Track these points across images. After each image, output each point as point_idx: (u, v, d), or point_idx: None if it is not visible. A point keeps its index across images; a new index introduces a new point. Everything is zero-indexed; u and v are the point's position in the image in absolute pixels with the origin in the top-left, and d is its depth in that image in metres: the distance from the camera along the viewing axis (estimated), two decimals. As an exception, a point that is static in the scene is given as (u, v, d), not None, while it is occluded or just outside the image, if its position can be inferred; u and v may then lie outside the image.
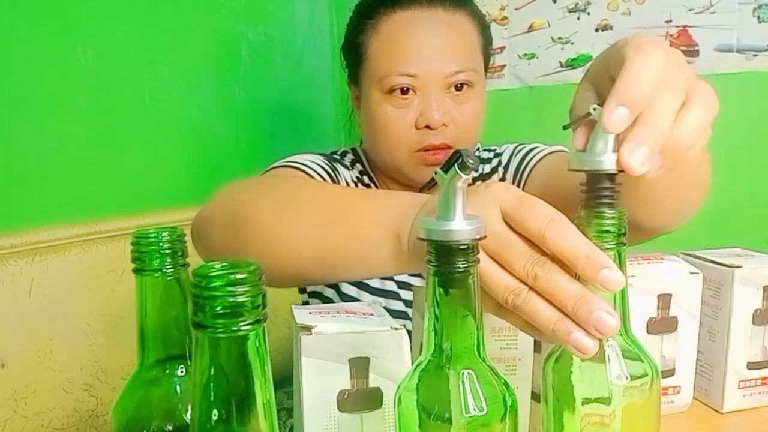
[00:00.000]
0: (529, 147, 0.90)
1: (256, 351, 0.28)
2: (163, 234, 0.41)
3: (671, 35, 1.24)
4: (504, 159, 0.92)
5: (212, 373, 0.28)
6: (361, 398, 0.45)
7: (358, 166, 0.93)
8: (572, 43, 1.34)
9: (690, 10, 1.22)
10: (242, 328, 0.27)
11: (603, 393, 0.41)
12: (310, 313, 0.49)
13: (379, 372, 0.45)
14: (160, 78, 1.20)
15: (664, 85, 0.40)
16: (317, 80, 1.56)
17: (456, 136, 0.82)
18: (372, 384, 0.45)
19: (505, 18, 1.41)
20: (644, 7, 1.26)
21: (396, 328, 0.45)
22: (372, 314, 0.49)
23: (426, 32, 0.82)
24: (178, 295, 0.41)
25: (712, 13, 1.20)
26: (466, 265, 0.35)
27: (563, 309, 0.37)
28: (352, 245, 0.50)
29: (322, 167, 0.82)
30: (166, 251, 0.41)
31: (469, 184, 0.37)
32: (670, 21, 1.24)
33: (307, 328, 0.45)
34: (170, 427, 0.42)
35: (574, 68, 1.34)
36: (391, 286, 0.88)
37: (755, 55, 1.18)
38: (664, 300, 0.61)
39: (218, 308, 0.27)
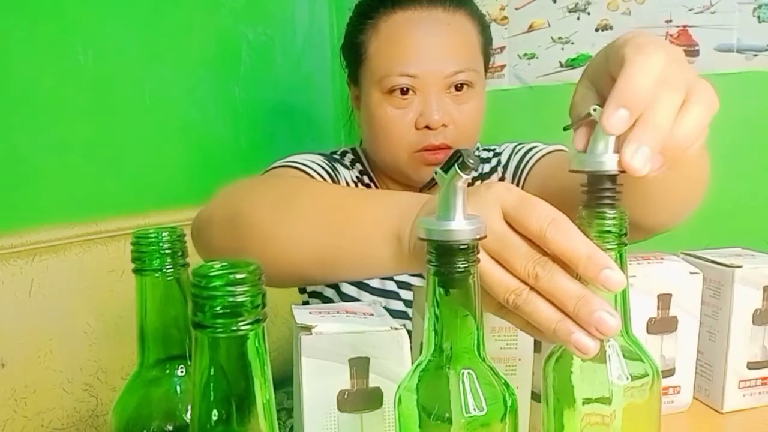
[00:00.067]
0: (528, 146, 0.90)
1: (256, 351, 0.28)
2: (163, 234, 0.41)
3: (671, 35, 1.24)
4: (503, 158, 0.92)
5: (212, 373, 0.28)
6: (361, 398, 0.45)
7: (358, 166, 0.93)
8: (572, 43, 1.34)
9: (690, 10, 1.22)
10: (242, 328, 0.27)
11: (604, 393, 0.41)
12: (310, 313, 0.49)
13: (379, 372, 0.45)
14: (160, 78, 1.20)
15: (664, 85, 0.40)
16: (317, 80, 1.56)
17: (456, 137, 0.82)
18: (372, 384, 0.45)
19: (505, 18, 1.41)
20: (644, 7, 1.26)
21: (396, 328, 0.45)
22: (372, 314, 0.49)
23: (426, 32, 0.82)
24: (178, 295, 0.41)
25: (712, 13, 1.20)
26: (466, 265, 0.35)
27: (564, 309, 0.37)
28: (353, 245, 0.50)
29: (322, 167, 0.82)
30: (166, 251, 0.41)
31: (469, 184, 0.37)
32: (670, 21, 1.24)
33: (307, 328, 0.45)
34: (170, 427, 0.42)
35: (574, 68, 1.34)
36: (391, 286, 0.88)
37: (755, 55, 1.18)
38: (664, 300, 0.61)
39: (218, 308, 0.27)
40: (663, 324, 0.61)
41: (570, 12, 1.33)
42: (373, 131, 0.85)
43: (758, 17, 1.17)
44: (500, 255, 0.39)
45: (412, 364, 0.39)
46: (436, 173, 0.37)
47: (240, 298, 0.27)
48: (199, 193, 0.80)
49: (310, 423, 0.45)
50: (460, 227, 0.35)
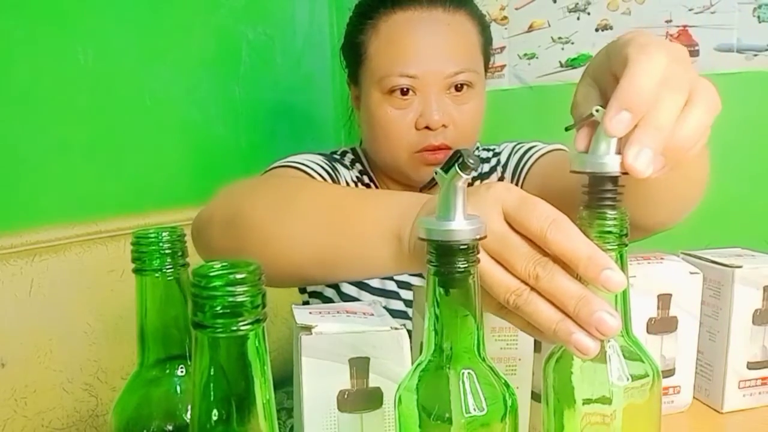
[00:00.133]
0: (527, 146, 0.90)
1: (256, 351, 0.28)
2: (163, 234, 0.41)
3: (671, 35, 1.24)
4: (503, 158, 0.92)
5: (212, 373, 0.28)
6: (361, 398, 0.45)
7: (358, 166, 0.93)
8: (572, 43, 1.34)
9: (690, 10, 1.22)
10: (242, 327, 0.27)
11: (604, 393, 0.41)
12: (310, 313, 0.49)
13: (379, 372, 0.45)
14: (160, 78, 1.20)
15: (666, 86, 0.40)
16: (317, 80, 1.56)
17: (456, 137, 0.82)
18: (372, 384, 0.45)
19: (505, 18, 1.41)
20: (644, 7, 1.26)
21: (396, 328, 0.45)
22: (372, 314, 0.49)
23: (426, 33, 0.82)
24: (178, 295, 0.41)
25: (712, 13, 1.20)
26: (466, 265, 0.35)
27: (565, 309, 0.37)
28: (353, 245, 0.50)
29: (322, 167, 0.82)
30: (166, 251, 0.41)
31: (469, 184, 0.37)
32: (670, 21, 1.24)
33: (307, 328, 0.45)
34: (170, 427, 0.42)
35: (574, 68, 1.34)
36: (391, 286, 0.88)
37: (755, 55, 1.18)
38: (664, 300, 0.61)
39: (218, 308, 0.27)
40: (663, 324, 0.61)
41: (570, 12, 1.33)
42: (373, 131, 0.85)
43: (758, 17, 1.17)
44: (500, 255, 0.39)
45: (412, 364, 0.39)
46: (436, 173, 0.37)
47: (240, 298, 0.27)
48: (199, 193, 0.80)
49: (310, 423, 0.45)
50: (460, 227, 0.35)
